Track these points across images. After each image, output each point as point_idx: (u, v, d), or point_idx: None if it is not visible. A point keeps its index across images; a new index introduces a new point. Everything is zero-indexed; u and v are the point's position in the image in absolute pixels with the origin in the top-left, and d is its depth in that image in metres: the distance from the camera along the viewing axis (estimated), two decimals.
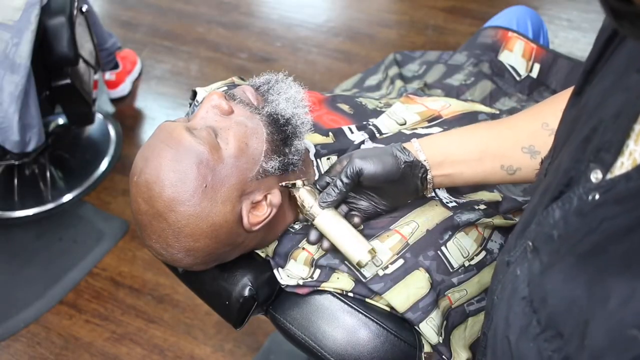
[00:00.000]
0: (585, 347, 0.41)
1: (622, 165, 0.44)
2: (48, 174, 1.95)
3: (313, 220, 0.76)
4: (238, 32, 2.54)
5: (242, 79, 0.98)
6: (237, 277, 0.81)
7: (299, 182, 0.76)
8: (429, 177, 0.77)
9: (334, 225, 0.74)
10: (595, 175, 0.46)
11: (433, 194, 0.84)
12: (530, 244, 0.51)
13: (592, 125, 0.49)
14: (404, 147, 0.76)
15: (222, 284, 0.82)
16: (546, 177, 0.56)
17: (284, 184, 0.76)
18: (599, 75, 0.52)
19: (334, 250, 0.76)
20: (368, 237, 0.78)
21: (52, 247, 1.78)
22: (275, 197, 0.76)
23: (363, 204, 0.79)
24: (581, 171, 0.48)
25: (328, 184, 0.77)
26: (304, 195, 0.76)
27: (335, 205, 0.77)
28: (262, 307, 0.84)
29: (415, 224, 0.79)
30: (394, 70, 1.21)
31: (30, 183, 1.94)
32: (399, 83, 1.17)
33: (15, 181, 1.94)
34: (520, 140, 0.75)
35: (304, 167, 0.81)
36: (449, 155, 0.77)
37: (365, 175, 0.73)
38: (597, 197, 0.45)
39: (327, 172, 0.79)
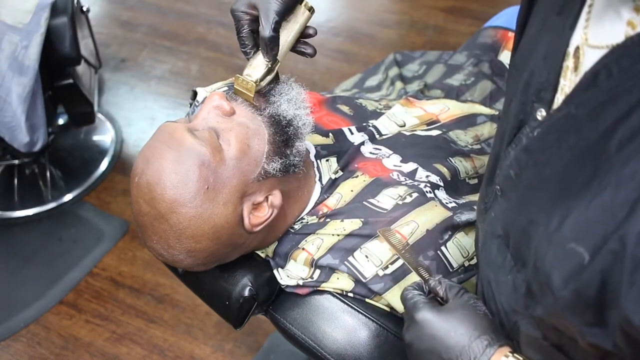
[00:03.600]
0: (538, 268, 0.46)
1: (558, 101, 0.50)
2: (48, 173, 1.95)
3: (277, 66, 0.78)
4: None
5: None
6: (237, 278, 0.81)
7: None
8: None
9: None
10: (540, 114, 0.51)
11: (432, 195, 0.84)
12: (498, 187, 0.56)
13: (529, 69, 0.54)
14: None
15: (222, 284, 0.82)
16: (502, 123, 0.61)
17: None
18: (529, 24, 0.57)
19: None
20: (368, 237, 0.78)
21: (52, 247, 1.78)
22: (277, 198, 0.76)
23: None
24: (528, 112, 0.53)
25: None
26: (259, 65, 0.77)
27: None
28: (262, 307, 0.84)
29: (415, 224, 0.79)
30: (394, 71, 1.21)
31: (30, 183, 1.94)
32: (399, 84, 1.17)
33: (15, 181, 1.93)
34: None
35: (304, 168, 0.81)
36: None
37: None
38: (537, 132, 0.50)
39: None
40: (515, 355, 0.56)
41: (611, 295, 0.40)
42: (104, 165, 2.01)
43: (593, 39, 0.46)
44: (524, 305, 0.52)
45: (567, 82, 0.49)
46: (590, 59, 0.45)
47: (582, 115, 0.44)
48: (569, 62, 0.49)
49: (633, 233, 0.38)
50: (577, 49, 0.48)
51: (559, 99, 0.50)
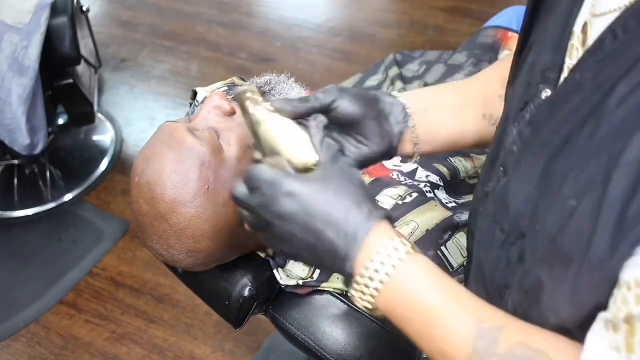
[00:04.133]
0: (538, 232, 0.45)
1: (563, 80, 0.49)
2: (48, 173, 1.95)
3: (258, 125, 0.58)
4: (238, 32, 2.54)
5: (243, 80, 0.99)
6: (237, 278, 0.81)
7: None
8: (410, 124, 0.67)
9: (283, 125, 0.57)
10: (545, 94, 0.50)
11: (432, 195, 0.84)
12: (502, 168, 0.55)
13: (536, 51, 0.53)
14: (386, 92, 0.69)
15: (222, 284, 0.82)
16: (505, 106, 0.59)
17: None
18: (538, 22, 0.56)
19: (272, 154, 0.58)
20: None
21: (52, 247, 1.78)
22: None
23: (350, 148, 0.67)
24: (533, 94, 0.52)
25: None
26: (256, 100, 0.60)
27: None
28: (262, 308, 0.84)
29: (415, 224, 0.79)
30: (394, 71, 1.21)
31: (30, 183, 1.94)
32: (399, 84, 1.17)
33: (15, 181, 1.93)
34: (496, 90, 0.71)
35: None
36: (432, 102, 0.70)
37: (339, 104, 0.62)
38: (544, 107, 0.50)
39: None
40: (401, 239, 0.50)
41: (580, 244, 0.41)
42: (104, 165, 2.01)
43: (599, 8, 0.46)
44: (513, 274, 0.50)
45: (574, 61, 0.48)
46: (597, 29, 0.45)
47: (586, 79, 0.44)
48: (575, 41, 0.48)
49: (616, 175, 0.38)
50: (585, 25, 0.47)
51: (564, 78, 0.49)
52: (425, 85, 1.15)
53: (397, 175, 0.86)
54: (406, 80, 1.19)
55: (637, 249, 0.37)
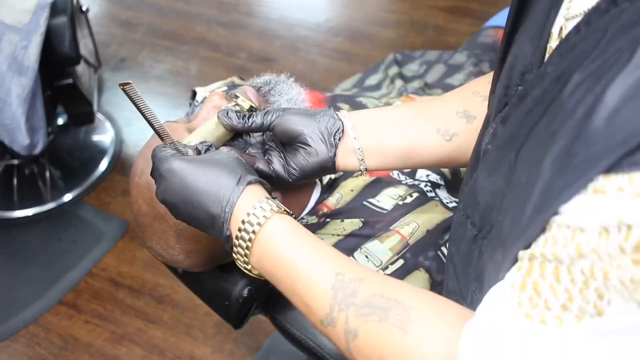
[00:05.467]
0: (500, 222, 0.45)
1: None
2: (47, 173, 1.95)
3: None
4: (238, 32, 2.54)
5: (242, 79, 0.98)
6: (236, 278, 0.81)
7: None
8: (353, 135, 0.68)
9: (208, 127, 0.69)
10: None
11: (433, 194, 0.84)
12: (481, 166, 0.54)
13: (514, 53, 0.53)
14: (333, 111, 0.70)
15: (222, 284, 0.82)
16: (487, 110, 0.59)
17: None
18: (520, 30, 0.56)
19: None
20: (368, 237, 0.78)
21: (51, 247, 1.78)
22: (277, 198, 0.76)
23: (276, 160, 0.71)
24: (512, 95, 0.51)
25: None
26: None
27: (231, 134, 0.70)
28: (262, 308, 0.84)
29: (416, 224, 0.78)
30: (394, 70, 1.21)
31: (29, 183, 1.94)
32: (399, 82, 1.17)
33: (15, 181, 1.93)
34: (453, 106, 0.71)
35: None
36: (377, 117, 0.71)
37: (279, 122, 0.67)
38: (514, 103, 0.49)
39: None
40: (269, 200, 0.55)
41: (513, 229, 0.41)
42: (103, 165, 2.01)
43: (572, 11, 0.47)
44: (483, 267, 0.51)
45: None
46: (569, 29, 0.46)
47: (548, 71, 0.45)
48: (553, 44, 0.49)
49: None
50: (561, 29, 0.48)
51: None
52: (426, 84, 1.15)
53: (398, 174, 0.86)
54: (406, 80, 1.19)
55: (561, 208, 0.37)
